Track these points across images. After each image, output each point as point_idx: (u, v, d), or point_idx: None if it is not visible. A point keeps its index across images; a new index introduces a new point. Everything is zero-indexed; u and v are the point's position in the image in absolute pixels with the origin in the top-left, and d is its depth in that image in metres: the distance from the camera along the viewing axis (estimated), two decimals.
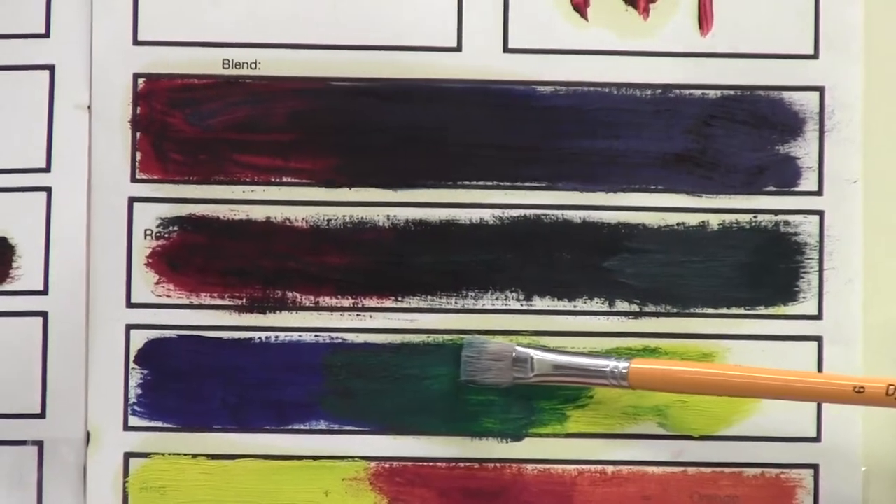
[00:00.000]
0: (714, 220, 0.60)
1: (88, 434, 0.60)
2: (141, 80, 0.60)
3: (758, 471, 0.60)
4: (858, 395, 0.54)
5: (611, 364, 0.57)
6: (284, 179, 0.60)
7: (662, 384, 0.57)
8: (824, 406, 0.60)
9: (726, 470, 0.60)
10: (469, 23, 0.61)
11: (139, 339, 0.60)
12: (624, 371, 0.57)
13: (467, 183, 0.60)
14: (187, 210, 0.60)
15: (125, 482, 0.60)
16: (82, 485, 0.60)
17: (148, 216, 0.60)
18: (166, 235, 0.60)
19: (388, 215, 0.60)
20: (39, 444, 0.60)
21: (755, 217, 0.60)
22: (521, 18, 0.61)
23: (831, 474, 0.60)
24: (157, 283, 0.60)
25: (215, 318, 0.60)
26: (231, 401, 0.60)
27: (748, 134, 0.61)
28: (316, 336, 0.60)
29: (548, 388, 0.60)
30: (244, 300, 0.60)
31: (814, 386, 0.55)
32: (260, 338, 0.60)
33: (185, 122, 0.60)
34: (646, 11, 0.61)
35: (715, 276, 0.60)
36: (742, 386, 0.56)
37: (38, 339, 0.60)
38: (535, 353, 0.59)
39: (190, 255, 0.60)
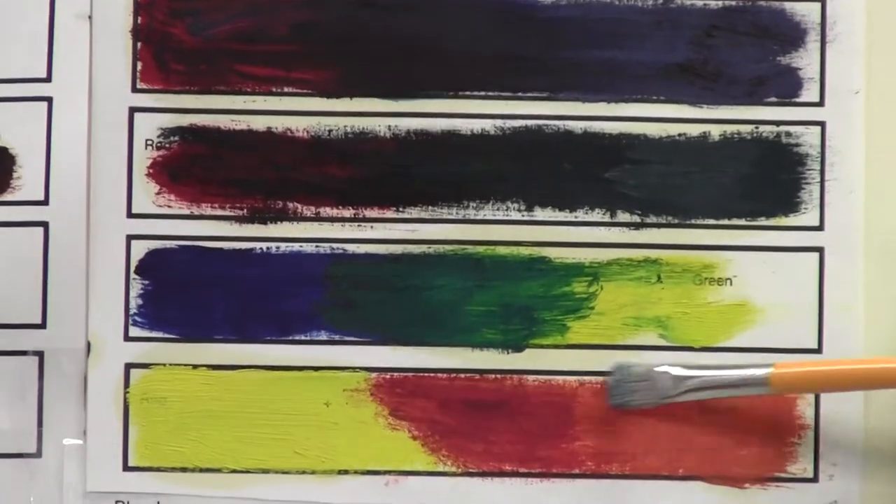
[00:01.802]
0: (715, 131, 0.60)
1: (89, 344, 0.60)
2: None
3: None
4: None
5: (751, 372, 0.57)
6: (285, 90, 0.60)
7: (806, 385, 0.57)
8: (826, 318, 0.60)
9: None
10: None
11: (140, 249, 0.60)
12: (766, 376, 0.57)
13: (468, 93, 0.60)
14: (188, 120, 0.60)
15: (126, 393, 0.60)
16: (83, 395, 0.60)
17: (149, 126, 0.60)
18: (167, 146, 0.60)
19: (390, 125, 0.60)
20: (40, 355, 0.60)
21: (756, 128, 0.60)
22: None
23: None
24: (158, 194, 0.60)
25: (216, 228, 0.60)
26: (232, 311, 0.60)
27: (750, 45, 0.60)
28: (317, 247, 0.60)
29: (548, 297, 0.60)
30: (245, 211, 0.60)
31: None
32: (261, 248, 0.60)
33: (187, 32, 0.60)
34: None
35: (716, 187, 0.60)
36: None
37: (39, 249, 0.60)
38: (681, 372, 0.58)
39: (191, 165, 0.60)
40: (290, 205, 0.60)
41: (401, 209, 0.60)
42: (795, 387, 0.57)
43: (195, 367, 0.60)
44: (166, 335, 0.60)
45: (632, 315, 0.60)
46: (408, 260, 0.60)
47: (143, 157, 0.60)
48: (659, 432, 0.60)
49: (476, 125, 0.60)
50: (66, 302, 0.60)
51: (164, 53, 0.60)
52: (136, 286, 0.60)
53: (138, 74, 0.60)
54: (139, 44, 0.60)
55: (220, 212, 0.60)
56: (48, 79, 0.60)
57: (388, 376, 0.60)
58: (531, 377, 0.60)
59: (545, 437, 0.60)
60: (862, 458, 0.60)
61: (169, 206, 0.60)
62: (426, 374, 0.60)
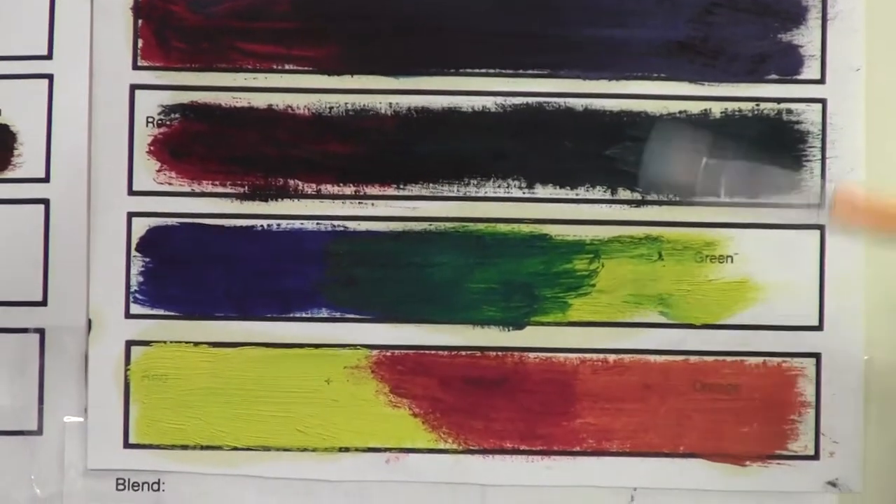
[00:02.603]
0: (716, 109, 0.60)
1: (90, 322, 0.60)
2: None
3: (759, 359, 0.60)
4: None
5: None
6: (286, 67, 0.60)
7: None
8: (826, 295, 0.60)
9: (728, 359, 0.60)
10: None
11: (141, 226, 0.60)
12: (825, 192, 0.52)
13: (469, 71, 0.60)
14: (189, 97, 0.60)
15: (127, 370, 0.60)
16: (84, 372, 0.60)
17: (150, 103, 0.60)
18: (168, 123, 0.60)
19: (390, 103, 0.60)
20: (41, 332, 0.60)
21: (757, 105, 0.60)
22: None
23: (833, 363, 0.60)
24: (159, 171, 0.60)
25: (217, 205, 0.60)
26: (233, 289, 0.60)
27: (750, 22, 0.60)
28: (318, 224, 0.60)
29: (549, 275, 0.60)
30: (246, 188, 0.60)
31: None
32: (262, 225, 0.60)
33: (187, 10, 0.60)
34: None
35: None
36: None
37: (40, 226, 0.60)
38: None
39: (192, 142, 0.60)
40: (291, 182, 0.60)
41: (401, 186, 0.60)
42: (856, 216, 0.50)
43: (196, 344, 0.60)
44: (167, 312, 0.60)
45: (633, 292, 0.60)
46: (409, 237, 0.60)
47: (144, 135, 0.60)
48: (659, 410, 0.60)
49: (477, 102, 0.60)
50: (67, 279, 0.60)
51: (164, 31, 0.60)
52: (137, 263, 0.60)
53: (139, 52, 0.60)
54: (140, 21, 0.60)
55: (220, 189, 0.60)
56: (49, 56, 0.60)
57: (388, 354, 0.60)
58: (532, 354, 0.60)
59: (546, 414, 0.60)
60: (863, 435, 0.60)
61: (170, 184, 0.60)
62: (427, 352, 0.60)
